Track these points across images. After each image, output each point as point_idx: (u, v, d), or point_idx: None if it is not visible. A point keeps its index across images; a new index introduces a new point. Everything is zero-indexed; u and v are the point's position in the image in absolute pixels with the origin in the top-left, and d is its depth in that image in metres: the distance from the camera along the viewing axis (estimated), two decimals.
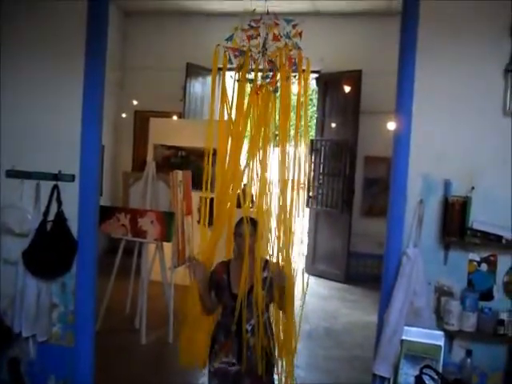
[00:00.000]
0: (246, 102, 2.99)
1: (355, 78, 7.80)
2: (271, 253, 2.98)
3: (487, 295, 3.26)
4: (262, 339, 2.86)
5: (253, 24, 2.90)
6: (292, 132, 2.98)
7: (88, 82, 3.66)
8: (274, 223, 2.99)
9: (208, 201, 2.99)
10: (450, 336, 3.26)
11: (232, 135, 2.98)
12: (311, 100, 12.75)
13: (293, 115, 2.97)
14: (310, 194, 8.27)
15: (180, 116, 8.40)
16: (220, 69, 3.04)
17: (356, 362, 5.01)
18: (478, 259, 3.27)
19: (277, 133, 2.99)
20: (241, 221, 2.92)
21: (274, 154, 2.98)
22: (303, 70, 2.96)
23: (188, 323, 3.08)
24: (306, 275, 3.00)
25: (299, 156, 2.97)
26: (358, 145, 7.96)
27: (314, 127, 8.78)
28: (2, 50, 3.72)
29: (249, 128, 3.00)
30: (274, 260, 2.95)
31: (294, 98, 2.99)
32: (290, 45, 2.89)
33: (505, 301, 3.24)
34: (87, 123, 3.69)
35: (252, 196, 3.15)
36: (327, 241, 8.25)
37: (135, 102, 8.92)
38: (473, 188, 3.21)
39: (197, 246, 3.25)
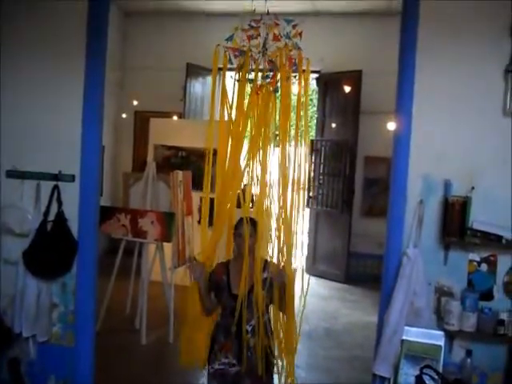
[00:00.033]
0: (246, 102, 3.00)
1: (355, 78, 7.80)
2: (271, 253, 2.98)
3: (487, 295, 3.26)
4: (263, 340, 2.86)
5: (253, 24, 2.91)
6: (292, 132, 2.98)
7: (88, 82, 3.67)
8: (274, 223, 3.00)
9: (208, 201, 2.99)
10: (450, 336, 3.26)
11: (232, 135, 2.98)
12: (311, 100, 12.75)
13: (293, 115, 2.97)
14: (310, 194, 8.27)
15: (180, 116, 8.40)
16: (220, 69, 3.04)
17: (356, 362, 5.01)
18: (478, 259, 3.27)
19: (277, 133, 2.99)
20: (240, 221, 2.92)
21: (274, 154, 2.98)
22: (303, 70, 2.96)
23: (188, 323, 3.08)
24: (306, 276, 3.00)
25: (299, 156, 2.98)
26: (358, 145, 7.96)
27: (314, 127, 8.78)
28: (2, 50, 3.72)
29: (249, 128, 3.00)
30: (275, 260, 2.95)
31: (294, 98, 3.00)
32: (290, 45, 2.90)
33: (505, 301, 3.24)
34: (87, 123, 3.69)
35: (252, 196, 3.15)
36: (327, 241, 8.25)
37: (135, 102, 8.92)
38: (473, 188, 3.21)
39: (197, 246, 3.26)
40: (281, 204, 2.94)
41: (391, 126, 6.60)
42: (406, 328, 3.26)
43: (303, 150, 2.99)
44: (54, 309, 3.80)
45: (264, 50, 2.93)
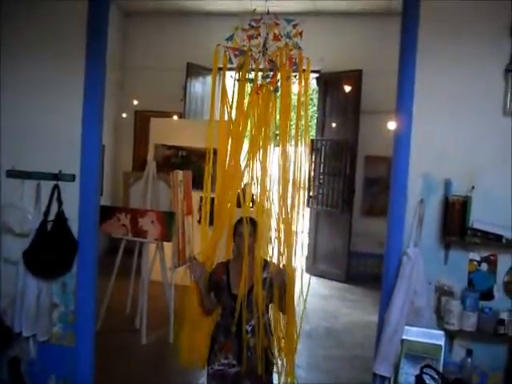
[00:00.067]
0: (246, 101, 2.99)
1: (355, 77, 7.80)
2: (271, 253, 2.98)
3: (487, 295, 3.26)
4: (263, 340, 2.86)
5: (253, 24, 2.91)
6: (292, 132, 2.98)
7: (88, 82, 3.67)
8: (274, 223, 3.00)
9: (209, 200, 2.99)
10: (451, 336, 3.27)
11: (232, 135, 2.98)
12: (311, 100, 12.74)
13: (293, 115, 2.97)
14: (311, 193, 8.27)
15: (180, 116, 8.41)
16: (220, 68, 3.04)
17: (356, 361, 5.01)
18: (478, 259, 3.27)
19: (277, 132, 2.99)
20: (240, 221, 2.92)
21: (274, 154, 2.98)
22: (303, 70, 2.96)
23: (188, 323, 3.07)
24: (307, 276, 3.00)
25: (299, 156, 2.98)
26: (359, 144, 7.96)
27: (314, 127, 8.78)
28: (2, 50, 3.72)
29: (249, 128, 3.00)
30: (275, 260, 2.95)
31: (294, 98, 3.00)
32: (290, 44, 2.90)
33: (505, 300, 3.24)
34: (87, 123, 3.70)
35: (252, 196, 3.15)
36: (328, 240, 8.25)
37: (136, 102, 8.92)
38: (473, 187, 3.21)
39: (197, 245, 3.26)
40: (281, 204, 2.94)
41: (391, 125, 6.61)
42: (407, 327, 3.26)
43: (303, 149, 2.99)
44: (55, 308, 3.81)
45: (264, 49, 2.93)
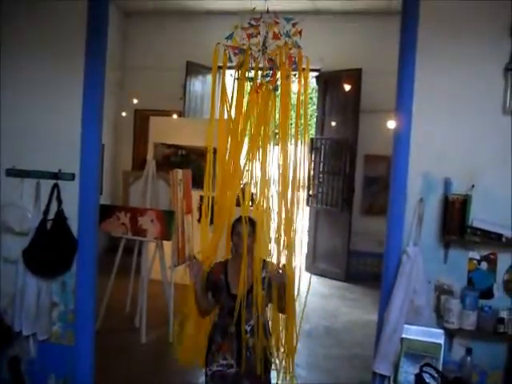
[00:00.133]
0: (245, 100, 3.00)
1: (355, 76, 7.79)
2: (271, 252, 2.98)
3: (487, 293, 3.26)
4: (262, 340, 2.86)
5: (253, 22, 2.91)
6: (292, 130, 2.98)
7: (88, 82, 3.67)
8: (273, 222, 3.00)
9: (208, 199, 2.99)
10: (450, 334, 3.27)
11: (232, 134, 2.98)
12: (311, 98, 12.75)
13: (293, 114, 2.97)
14: (310, 192, 8.27)
15: (180, 115, 8.40)
16: (220, 67, 3.04)
17: (356, 360, 5.02)
18: (478, 257, 3.27)
19: (277, 131, 3.00)
20: (237, 220, 2.91)
21: (273, 153, 2.98)
22: (303, 69, 2.96)
23: (188, 322, 3.07)
24: (307, 275, 3.00)
25: (299, 154, 2.98)
26: (358, 143, 7.95)
27: (313, 126, 8.77)
28: (2, 50, 3.72)
29: (249, 126, 3.00)
30: (275, 260, 2.94)
31: (293, 97, 3.00)
32: (289, 43, 2.90)
33: (505, 299, 3.25)
34: (87, 123, 3.70)
35: (252, 195, 3.16)
36: (327, 239, 8.25)
37: (135, 101, 8.91)
38: (473, 186, 3.21)
39: (197, 244, 3.25)
40: (281, 202, 2.94)
41: (391, 124, 6.59)
42: (406, 326, 3.26)
43: (303, 148, 3.00)
44: (54, 307, 3.81)
45: (264, 48, 2.93)
